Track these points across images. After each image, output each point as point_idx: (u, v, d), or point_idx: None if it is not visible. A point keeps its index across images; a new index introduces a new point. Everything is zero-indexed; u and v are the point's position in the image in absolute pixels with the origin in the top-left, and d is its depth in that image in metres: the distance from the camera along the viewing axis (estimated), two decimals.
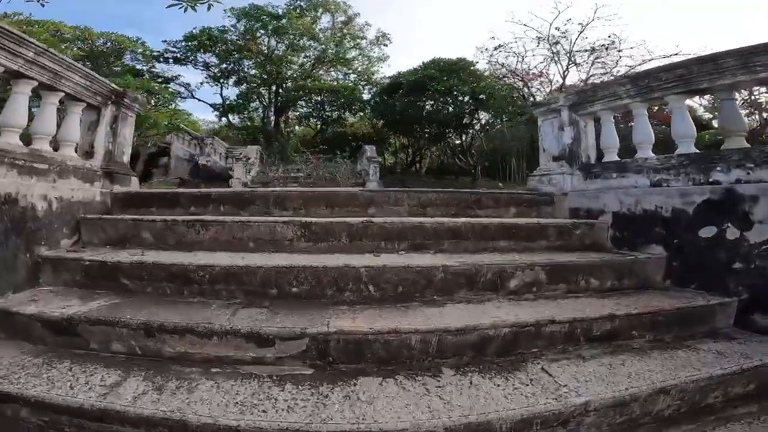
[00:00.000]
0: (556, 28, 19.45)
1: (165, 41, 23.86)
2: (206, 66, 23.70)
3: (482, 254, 4.05)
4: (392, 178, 20.98)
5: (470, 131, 19.91)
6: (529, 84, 22.13)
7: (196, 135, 18.19)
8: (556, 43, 19.21)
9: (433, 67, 18.27)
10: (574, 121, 5.03)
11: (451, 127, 18.87)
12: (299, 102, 23.81)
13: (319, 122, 23.71)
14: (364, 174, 16.57)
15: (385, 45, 26.86)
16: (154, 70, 23.34)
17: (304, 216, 4.53)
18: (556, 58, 20.25)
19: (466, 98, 17.05)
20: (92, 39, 17.62)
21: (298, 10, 24.29)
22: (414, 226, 4.09)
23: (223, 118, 26.30)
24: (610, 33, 19.39)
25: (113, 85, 4.92)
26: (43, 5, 7.57)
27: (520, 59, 21.16)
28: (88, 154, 4.81)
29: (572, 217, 4.98)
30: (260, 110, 25.83)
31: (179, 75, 24.75)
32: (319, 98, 22.91)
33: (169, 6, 5.26)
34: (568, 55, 20.13)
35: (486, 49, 21.53)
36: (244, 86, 24.58)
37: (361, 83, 26.11)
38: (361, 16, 26.54)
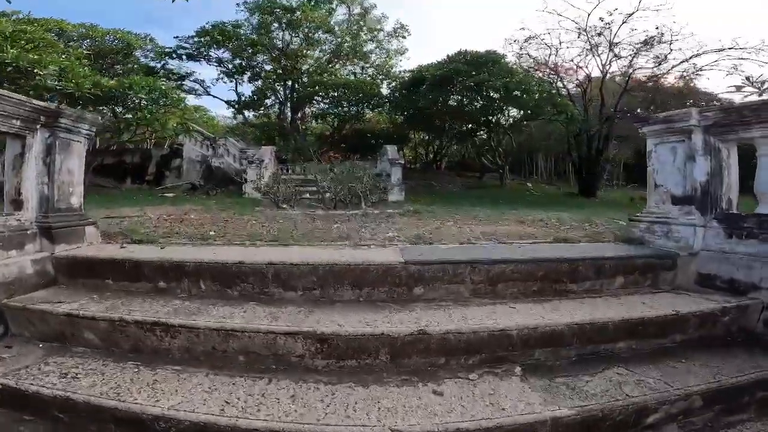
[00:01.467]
0: (600, 18, 17.29)
1: (177, 37, 22.46)
2: (219, 62, 22.27)
3: (597, 370, 2.53)
4: (415, 178, 19.40)
5: (500, 129, 18.01)
6: (563, 77, 20.09)
7: (209, 135, 16.89)
8: (599, 34, 17.07)
9: (460, 60, 16.43)
10: (714, 148, 3.39)
11: (479, 124, 17.05)
12: (315, 98, 22.21)
13: (336, 119, 22.12)
14: (385, 177, 15.03)
15: (404, 37, 24.97)
16: (168, 67, 22.06)
17: (318, 299, 3.07)
18: (595, 51, 18.11)
19: (497, 94, 15.19)
20: (100, 37, 16.34)
21: (312, 2, 22.62)
22: (492, 333, 2.57)
23: (239, 115, 24.96)
24: (657, 24, 16.89)
25: (39, 103, 3.45)
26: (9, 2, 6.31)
27: (553, 52, 19.10)
28: (16, 203, 3.42)
29: (703, 286, 3.39)
30: (276, 106, 24.40)
31: (193, 72, 23.37)
32: (336, 94, 21.28)
33: None
34: (609, 47, 17.93)
35: (515, 41, 19.51)
36: (258, 82, 23.14)
37: (380, 77, 24.34)
38: (378, 8, 24.33)
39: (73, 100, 11.56)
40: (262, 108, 24.90)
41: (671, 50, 16.84)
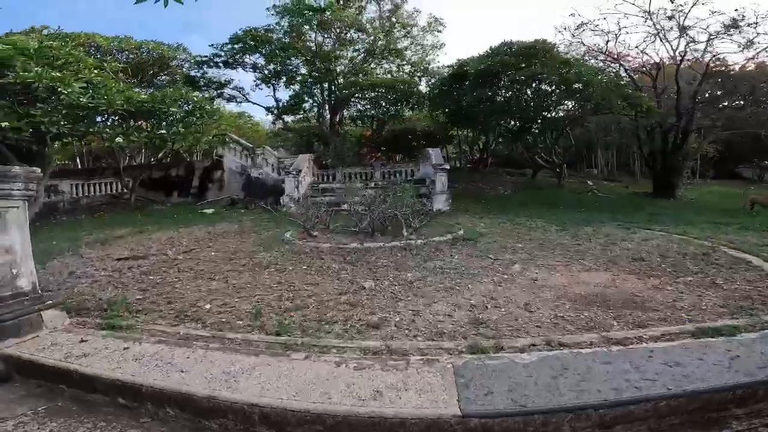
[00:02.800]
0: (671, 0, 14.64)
1: (212, 45, 22.04)
2: (255, 67, 21.55)
3: None
4: (462, 180, 17.66)
5: (558, 125, 15.76)
6: (624, 65, 17.42)
7: (247, 146, 16.14)
8: (671, 17, 14.48)
9: (505, 52, 14.39)
10: None
11: (532, 121, 14.94)
12: (353, 99, 20.95)
13: (374, 120, 20.76)
14: (429, 183, 13.51)
15: (439, 31, 22.95)
16: (208, 75, 21.70)
17: None
18: (663, 36, 15.45)
19: (552, 87, 13.08)
20: (135, 49, 15.97)
21: (341, 1, 21.33)
22: None
23: (279, 120, 24.22)
24: (737, 6, 14.14)
25: None
26: None
27: (612, 38, 16.56)
28: None
29: None
30: (315, 109, 23.44)
31: (232, 79, 22.91)
32: (373, 94, 19.92)
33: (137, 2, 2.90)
34: (680, 31, 15.18)
35: (565, 29, 17.16)
36: (295, 86, 22.25)
37: (417, 74, 22.65)
38: (409, 2, 22.63)
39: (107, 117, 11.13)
40: (302, 112, 24.07)
41: (757, 34, 14.00)
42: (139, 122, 11.79)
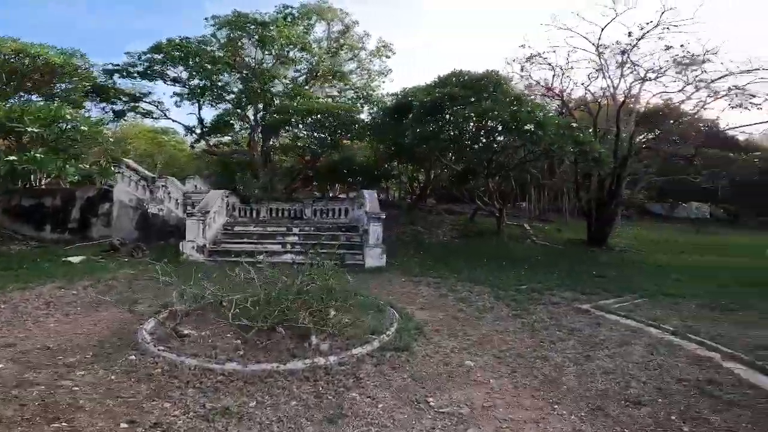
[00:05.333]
0: (628, 33, 14.23)
1: (128, 53, 18.86)
2: (176, 81, 18.60)
3: None
4: (400, 222, 15.78)
5: (502, 170, 14.46)
6: (569, 103, 16.82)
7: (147, 174, 13.08)
8: (623, 52, 13.92)
9: (455, 83, 13.04)
10: None
11: (480, 165, 13.51)
12: (289, 124, 18.59)
13: (310, 149, 18.49)
14: (362, 232, 11.42)
15: (387, 57, 21.50)
16: (118, 87, 18.27)
17: None
18: (606, 73, 14.97)
19: (501, 126, 11.70)
20: (13, 54, 12.48)
21: (289, 18, 19.24)
22: None
23: (199, 142, 21.08)
24: (683, 41, 13.95)
25: None
26: None
27: (558, 73, 15.86)
28: None
29: None
30: (245, 133, 20.71)
31: (150, 92, 19.58)
32: (310, 119, 17.75)
33: None
34: (622, 67, 14.78)
35: (515, 60, 16.26)
36: (226, 105, 19.50)
37: (360, 101, 20.91)
38: (361, 25, 21.06)
39: None
40: (232, 133, 21.23)
41: (703, 71, 13.79)
42: None
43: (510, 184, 16.09)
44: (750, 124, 20.82)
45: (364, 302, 6.80)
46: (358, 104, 20.53)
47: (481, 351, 4.96)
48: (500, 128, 11.75)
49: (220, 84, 18.89)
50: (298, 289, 5.49)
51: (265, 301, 5.39)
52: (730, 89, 13.89)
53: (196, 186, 17.23)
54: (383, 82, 21.64)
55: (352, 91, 21.31)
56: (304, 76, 20.74)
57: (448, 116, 12.91)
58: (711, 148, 18.06)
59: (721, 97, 14.37)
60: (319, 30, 21.26)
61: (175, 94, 19.22)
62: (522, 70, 16.09)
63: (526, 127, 10.89)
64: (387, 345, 5.01)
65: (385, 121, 15.84)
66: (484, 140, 12.72)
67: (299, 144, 18.59)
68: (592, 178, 15.77)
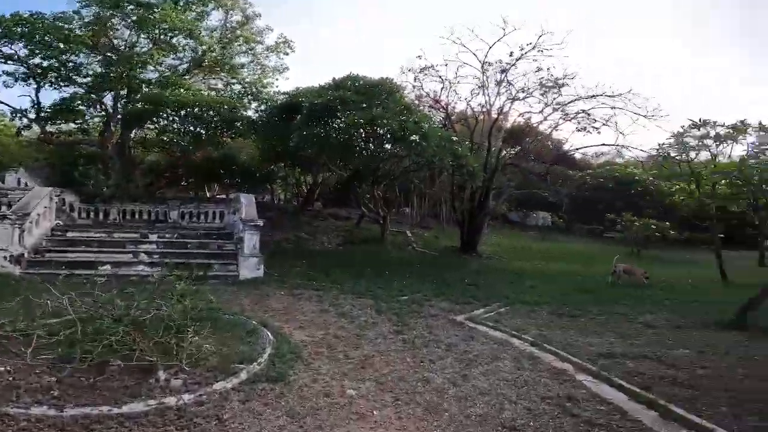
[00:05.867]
0: (510, 53, 15.43)
1: None
2: (9, 59, 14.85)
3: None
4: (283, 227, 14.84)
5: (387, 179, 14.60)
6: (452, 116, 17.86)
7: None
8: (504, 71, 15.12)
9: (349, 87, 12.63)
10: None
11: (367, 172, 13.37)
12: (156, 116, 16.04)
13: (179, 143, 16.23)
14: (237, 240, 10.25)
15: (286, 54, 20.18)
16: None
17: None
18: (486, 90, 16.25)
19: (390, 135, 11.72)
20: None
21: (181, 2, 16.82)
22: None
23: (30, 128, 16.89)
24: (549, 65, 15.72)
25: None
26: None
27: (447, 86, 16.69)
28: None
29: None
30: (97, 120, 17.28)
31: None
32: (184, 112, 15.60)
33: None
34: (507, 86, 16.11)
35: (410, 70, 16.65)
36: (74, 88, 15.99)
37: (248, 97, 19.29)
38: (263, 18, 19.69)
39: None
40: (78, 121, 17.53)
41: (560, 94, 15.63)
42: None
43: (395, 191, 16.41)
44: (587, 146, 24.37)
45: (233, 323, 5.98)
46: (245, 100, 18.93)
47: (363, 375, 4.60)
48: (389, 136, 11.77)
49: (70, 65, 15.59)
50: (132, 318, 4.41)
51: (93, 332, 4.23)
52: (578, 113, 15.68)
53: (20, 181, 13.72)
54: (277, 79, 20.27)
55: (240, 86, 19.54)
56: (186, 65, 18.51)
57: (339, 121, 12.53)
58: (559, 165, 21.02)
59: (570, 120, 16.10)
60: (216, 18, 19.20)
61: (5, 73, 15.50)
62: (415, 80, 16.56)
63: (412, 138, 11.07)
64: (258, 375, 4.32)
65: (272, 120, 14.73)
66: (372, 147, 12.61)
67: (165, 138, 16.20)
68: (465, 189, 16.96)
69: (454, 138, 13.32)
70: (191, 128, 16.19)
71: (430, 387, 4.34)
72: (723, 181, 13.11)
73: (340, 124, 12.30)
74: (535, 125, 17.90)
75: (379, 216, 15.92)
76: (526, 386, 4.35)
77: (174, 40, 17.22)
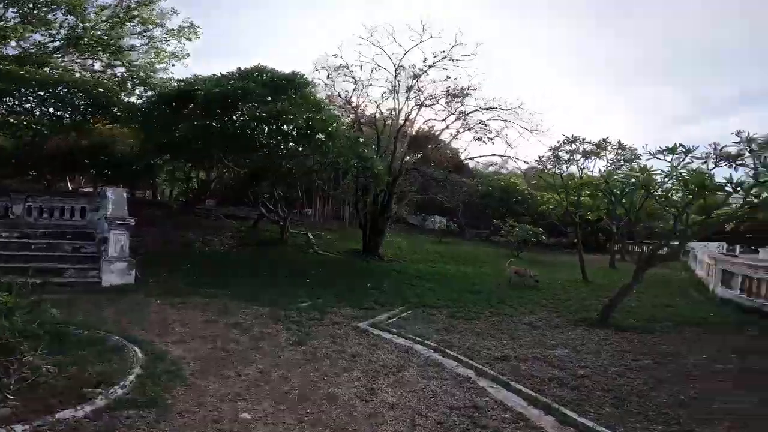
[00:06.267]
0: (423, 60, 15.56)
1: None
2: None
3: None
4: (167, 226, 12.97)
5: (288, 178, 13.67)
6: (361, 118, 17.64)
7: None
8: (416, 77, 15.24)
9: (255, 78, 11.37)
10: None
11: (268, 170, 12.31)
12: (8, 95, 12.77)
13: (33, 127, 13.19)
14: (100, 241, 8.51)
15: (189, 39, 17.96)
16: None
17: None
18: (397, 95, 16.38)
19: (296, 132, 10.90)
20: None
21: None
22: None
23: None
24: (456, 75, 16.32)
25: None
26: None
27: (360, 87, 16.41)
28: None
29: None
30: None
31: None
32: (45, 93, 12.73)
33: None
34: (417, 93, 16.35)
35: (324, 68, 16.00)
36: None
37: (133, 81, 16.71)
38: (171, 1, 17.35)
39: None
40: None
41: (463, 104, 16.37)
42: None
43: (296, 191, 15.59)
44: (482, 156, 26.15)
45: (88, 339, 4.89)
46: (128, 84, 16.35)
47: (260, 395, 3.99)
48: (294, 134, 11.00)
49: None
50: None
51: None
52: (476, 123, 16.65)
53: None
54: (173, 65, 18.19)
55: (125, 69, 17.06)
56: (59, 43, 15.92)
57: (239, 113, 11.33)
58: (456, 173, 22.29)
59: (469, 129, 16.99)
60: None
61: None
62: (328, 77, 15.98)
63: (318, 136, 10.52)
64: (122, 401, 3.50)
65: (159, 108, 12.75)
66: (274, 144, 11.68)
67: (12, 120, 13.18)
68: (369, 192, 16.91)
69: (362, 140, 13.08)
70: (50, 110, 13.35)
71: (337, 404, 3.92)
72: (585, 193, 15.29)
73: (240, 118, 11.19)
74: (437, 133, 18.64)
75: (279, 217, 14.95)
76: (434, 397, 4.19)
77: (50, 16, 14.83)
